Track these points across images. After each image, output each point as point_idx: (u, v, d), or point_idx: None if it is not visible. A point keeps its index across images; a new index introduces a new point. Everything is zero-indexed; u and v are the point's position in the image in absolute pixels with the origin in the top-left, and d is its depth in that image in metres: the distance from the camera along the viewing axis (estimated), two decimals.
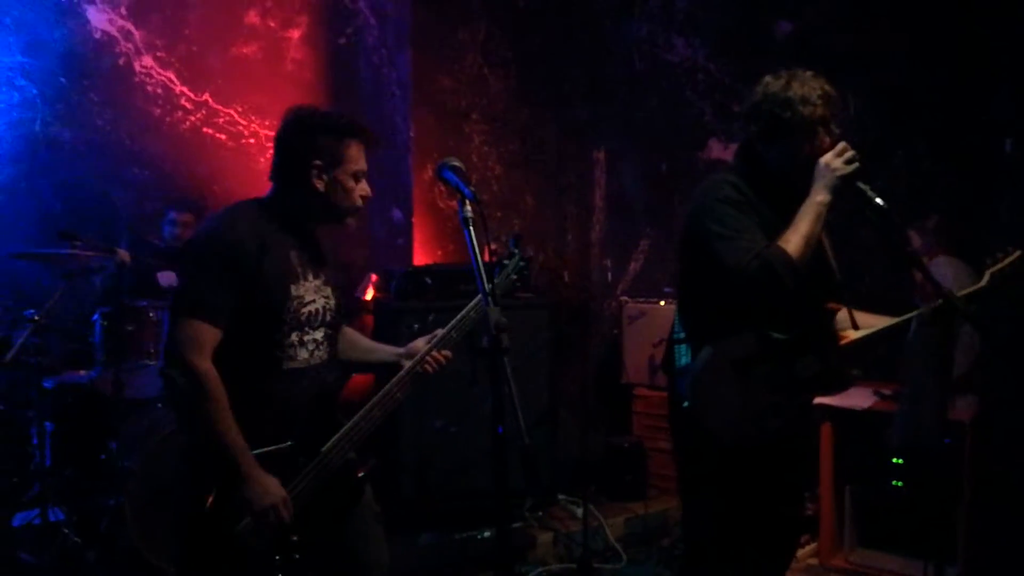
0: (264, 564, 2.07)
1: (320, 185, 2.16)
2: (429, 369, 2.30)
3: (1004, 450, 3.60)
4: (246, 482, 2.03)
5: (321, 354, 2.22)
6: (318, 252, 2.27)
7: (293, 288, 2.14)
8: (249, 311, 2.07)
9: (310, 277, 2.20)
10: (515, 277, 2.48)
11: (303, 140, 2.17)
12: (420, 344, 2.34)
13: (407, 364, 2.30)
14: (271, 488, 2.05)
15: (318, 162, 2.15)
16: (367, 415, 2.21)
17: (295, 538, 2.10)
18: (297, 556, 2.09)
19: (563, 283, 5.54)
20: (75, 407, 3.95)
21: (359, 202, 2.23)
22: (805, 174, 2.34)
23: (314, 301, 2.20)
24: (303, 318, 2.16)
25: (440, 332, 2.33)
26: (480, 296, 2.17)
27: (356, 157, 2.20)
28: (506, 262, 2.46)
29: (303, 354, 2.17)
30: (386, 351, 2.45)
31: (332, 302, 2.26)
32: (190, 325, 2.03)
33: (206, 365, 2.02)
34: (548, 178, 5.53)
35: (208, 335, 2.04)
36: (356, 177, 2.20)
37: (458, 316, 2.32)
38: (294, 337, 2.14)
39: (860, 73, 4.35)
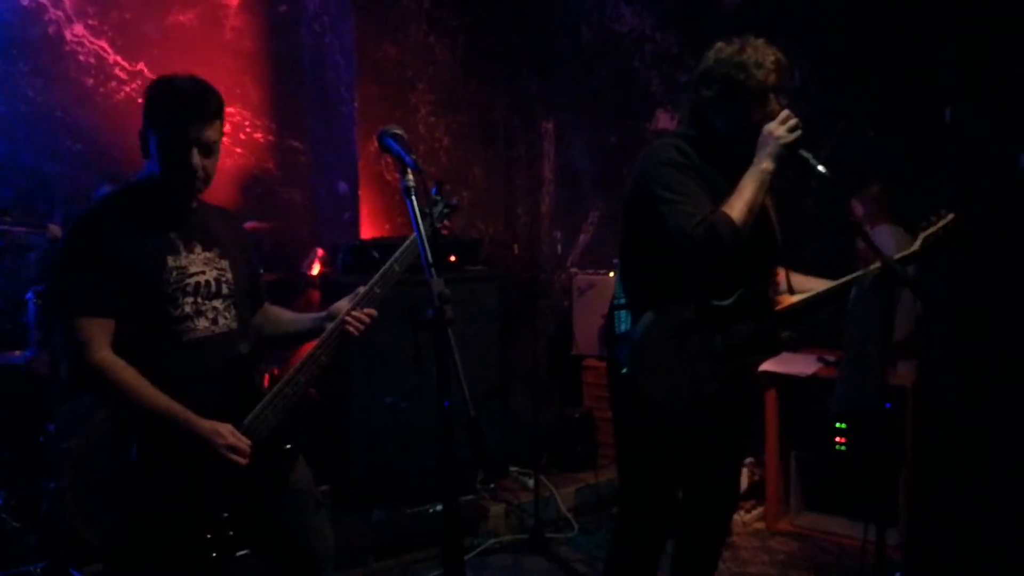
0: (196, 543, 2.01)
1: (164, 162, 2.07)
2: (352, 331, 2.22)
3: (944, 414, 3.69)
4: (193, 433, 1.99)
5: (228, 322, 2.18)
6: (206, 225, 2.21)
7: (171, 259, 2.09)
8: (130, 290, 2.03)
9: (196, 249, 2.16)
10: (439, 225, 2.44)
11: (145, 119, 2.09)
12: (343, 304, 2.27)
13: (330, 326, 2.23)
14: (219, 428, 2.02)
15: (158, 140, 2.06)
16: (291, 381, 2.16)
17: (225, 515, 2.05)
18: (231, 533, 2.05)
19: (513, 256, 5.52)
20: (10, 389, 3.83)
21: (201, 173, 2.09)
22: (753, 140, 2.35)
23: (203, 272, 2.15)
24: (190, 288, 2.11)
25: (361, 289, 2.27)
26: (403, 247, 2.18)
27: (194, 131, 2.06)
28: (426, 211, 2.36)
29: (203, 323, 2.12)
30: (308, 318, 2.39)
31: (229, 275, 2.21)
32: (72, 325, 1.99)
33: (98, 356, 1.98)
34: (497, 150, 5.49)
35: (95, 328, 1.99)
36: (193, 150, 2.07)
37: (380, 271, 2.27)
38: (188, 308, 2.10)
39: (804, 43, 4.38)
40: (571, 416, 4.77)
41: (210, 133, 2.08)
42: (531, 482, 4.18)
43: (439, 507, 4.05)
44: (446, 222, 2.51)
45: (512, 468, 4.60)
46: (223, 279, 2.19)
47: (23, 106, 4.38)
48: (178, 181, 2.09)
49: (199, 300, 2.12)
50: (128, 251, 2.04)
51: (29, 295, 3.76)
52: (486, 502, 4.23)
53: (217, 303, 2.16)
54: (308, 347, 2.27)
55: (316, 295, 4.60)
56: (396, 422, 4.06)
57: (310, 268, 4.67)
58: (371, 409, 4.05)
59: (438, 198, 2.45)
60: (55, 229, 3.68)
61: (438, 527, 3.94)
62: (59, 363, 3.62)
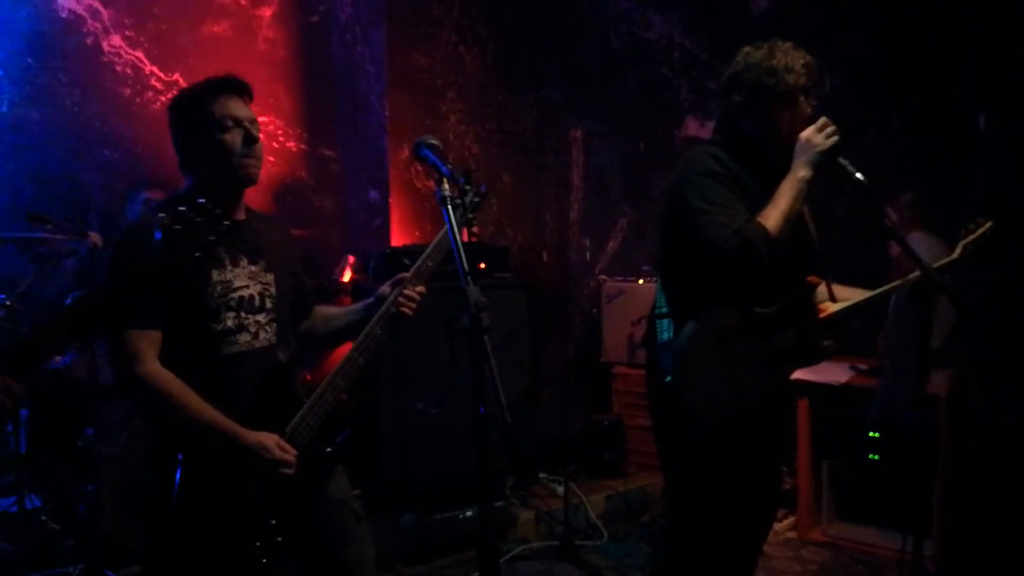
0: (246, 552, 2.02)
1: (202, 156, 2.10)
2: (407, 311, 2.22)
3: (978, 423, 3.65)
4: (241, 446, 2.00)
5: (268, 336, 2.18)
6: (253, 240, 2.21)
7: (215, 273, 2.10)
8: (175, 303, 2.04)
9: (242, 263, 2.16)
10: (471, 216, 2.36)
11: (175, 123, 2.14)
12: (386, 289, 2.27)
13: (363, 332, 2.20)
14: (264, 439, 2.02)
15: (190, 136, 2.10)
16: (330, 386, 2.16)
17: (273, 522, 2.06)
18: (280, 539, 2.06)
19: (542, 263, 5.53)
20: (50, 393, 3.88)
21: (238, 148, 2.10)
22: (785, 144, 2.34)
23: (247, 287, 2.15)
24: (234, 303, 2.11)
25: (405, 275, 2.25)
26: (447, 226, 2.04)
27: (219, 109, 2.09)
28: (459, 201, 2.31)
29: (244, 337, 2.13)
30: (359, 308, 2.37)
31: (272, 289, 2.21)
32: (121, 338, 2.00)
33: (147, 368, 1.99)
34: (526, 157, 5.50)
35: (143, 340, 2.00)
36: (224, 127, 2.09)
37: (431, 244, 2.25)
38: (230, 322, 2.11)
39: (835, 49, 4.36)
40: (600, 423, 4.77)
41: None
42: (560, 489, 4.18)
43: (468, 513, 4.06)
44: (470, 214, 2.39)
45: (541, 475, 4.60)
46: (267, 293, 2.20)
47: (61, 115, 4.46)
48: (234, 168, 2.16)
49: (242, 315, 2.13)
50: (173, 265, 1.95)
51: (68, 301, 3.83)
52: (515, 508, 4.24)
53: (260, 317, 2.17)
54: (342, 350, 2.27)
55: (347, 302, 4.63)
56: (426, 428, 4.08)
57: (341, 275, 4.71)
58: (401, 415, 4.08)
59: (467, 187, 2.38)
60: (95, 236, 3.74)
61: (467, 533, 3.96)
62: (98, 368, 3.69)
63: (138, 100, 4.64)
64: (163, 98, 4.69)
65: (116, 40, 4.59)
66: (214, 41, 4.84)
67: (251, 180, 2.18)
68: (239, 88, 2.16)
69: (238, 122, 2.12)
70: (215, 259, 2.11)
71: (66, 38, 4.47)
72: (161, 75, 4.69)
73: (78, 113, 4.50)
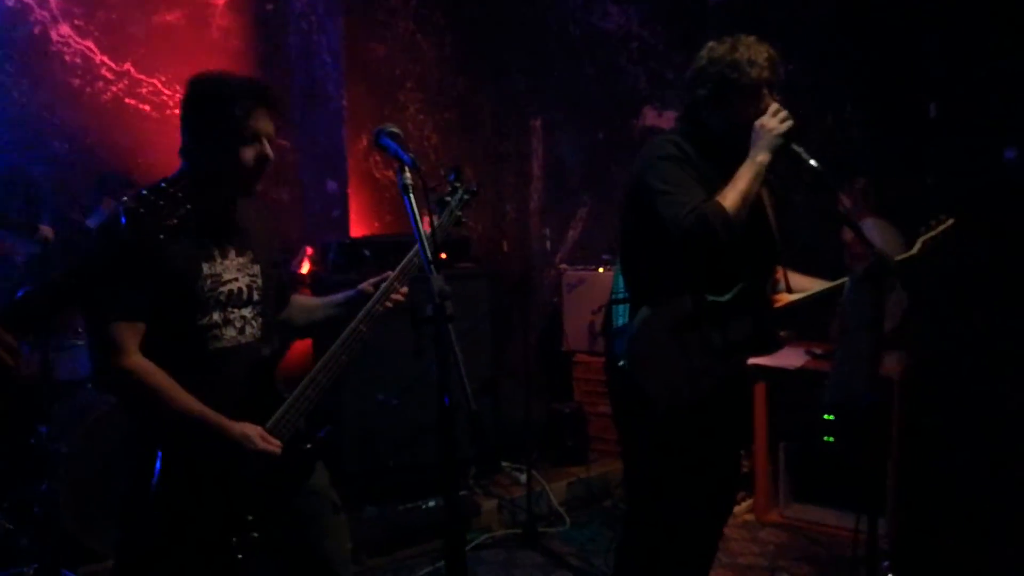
0: (222, 547, 2.01)
1: (212, 156, 2.05)
2: (390, 305, 2.20)
3: (930, 405, 3.74)
4: (226, 437, 1.98)
5: (253, 331, 2.16)
6: (241, 229, 2.18)
7: (206, 267, 2.07)
8: (163, 296, 2.01)
9: (230, 255, 2.13)
10: (459, 213, 2.38)
11: (193, 111, 2.08)
12: (369, 287, 2.25)
13: (347, 330, 2.18)
14: (248, 430, 2.01)
15: (210, 131, 2.05)
16: (312, 383, 2.14)
17: (250, 517, 2.04)
18: (256, 535, 2.04)
19: (502, 253, 5.54)
20: (1, 390, 3.80)
21: (251, 164, 2.07)
22: (748, 137, 2.37)
23: (236, 279, 2.12)
24: (223, 297, 2.09)
25: (390, 273, 2.23)
26: (411, 216, 2.01)
27: (254, 122, 2.06)
28: (448, 199, 2.36)
29: (230, 332, 2.10)
30: (339, 301, 2.33)
31: (259, 280, 2.18)
32: (106, 330, 1.96)
33: (131, 361, 1.96)
34: (486, 147, 5.50)
35: (127, 332, 1.97)
36: (248, 141, 2.07)
37: (413, 251, 2.20)
38: (217, 316, 2.08)
39: (790, 37, 4.42)
40: (562, 411, 4.80)
41: None
42: (523, 477, 4.21)
43: (431, 503, 4.07)
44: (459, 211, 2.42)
45: (504, 463, 4.62)
46: (254, 286, 2.17)
47: (9, 108, 4.35)
48: (245, 180, 2.11)
49: (229, 309, 2.10)
50: (164, 256, 1.99)
51: (19, 295, 3.74)
52: (479, 497, 4.25)
53: (246, 311, 2.14)
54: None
55: (307, 293, 4.59)
56: (388, 419, 4.07)
57: (300, 267, 4.67)
58: (362, 406, 4.06)
59: (457, 184, 2.39)
60: (45, 230, 3.66)
61: (430, 523, 3.96)
62: (51, 365, 3.61)
63: (88, 90, 4.54)
64: (114, 88, 4.60)
65: (65, 29, 4.48)
66: (166, 30, 4.74)
67: (251, 195, 2.16)
68: (279, 106, 2.13)
69: (261, 138, 2.09)
70: (205, 251, 2.08)
71: (13, 28, 4.35)
72: (112, 65, 4.59)
73: (26, 104, 4.38)
